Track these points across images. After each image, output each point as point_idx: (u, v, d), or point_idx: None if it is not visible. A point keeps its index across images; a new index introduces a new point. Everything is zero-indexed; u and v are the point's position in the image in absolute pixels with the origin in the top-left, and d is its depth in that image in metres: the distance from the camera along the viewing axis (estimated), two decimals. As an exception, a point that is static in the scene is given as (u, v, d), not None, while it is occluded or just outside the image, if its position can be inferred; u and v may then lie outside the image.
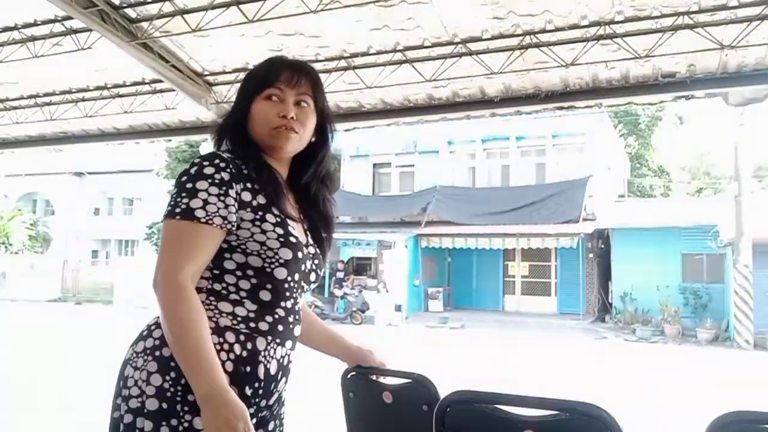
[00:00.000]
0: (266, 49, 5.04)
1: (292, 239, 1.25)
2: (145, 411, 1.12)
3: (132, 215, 34.77)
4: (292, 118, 1.28)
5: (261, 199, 1.23)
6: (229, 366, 1.14)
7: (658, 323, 13.92)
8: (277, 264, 1.22)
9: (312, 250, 1.34)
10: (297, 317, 1.30)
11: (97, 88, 6.19)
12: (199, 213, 1.14)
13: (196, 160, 1.21)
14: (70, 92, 6.36)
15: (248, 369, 1.17)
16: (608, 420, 1.04)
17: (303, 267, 1.28)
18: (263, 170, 1.27)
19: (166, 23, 4.73)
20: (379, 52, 4.95)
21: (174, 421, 1.10)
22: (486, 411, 1.14)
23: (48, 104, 6.61)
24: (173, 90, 5.66)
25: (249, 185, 1.22)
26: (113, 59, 5.46)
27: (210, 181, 1.17)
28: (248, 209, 1.21)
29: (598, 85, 5.02)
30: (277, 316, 1.23)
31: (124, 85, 6.09)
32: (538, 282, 18.39)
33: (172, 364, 1.12)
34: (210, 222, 1.15)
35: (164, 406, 1.11)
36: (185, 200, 1.15)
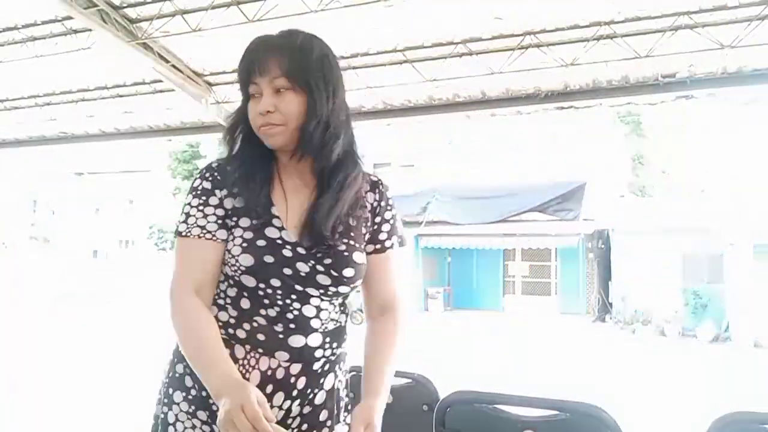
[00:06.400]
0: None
1: (261, 242, 1.13)
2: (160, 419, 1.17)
3: (132, 215, 34.82)
4: (269, 112, 1.15)
5: (239, 203, 1.17)
6: None
7: (659, 323, 13.94)
8: (240, 272, 1.14)
9: (311, 248, 1.16)
10: (294, 326, 1.15)
11: (97, 88, 6.19)
12: (182, 227, 1.15)
13: (195, 173, 1.22)
14: (70, 92, 6.36)
15: None
16: (608, 420, 1.04)
17: (290, 271, 1.14)
18: (238, 170, 1.18)
19: (166, 23, 4.73)
20: (379, 52, 4.95)
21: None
22: (486, 411, 1.14)
23: (48, 104, 6.62)
24: (173, 90, 5.66)
25: (235, 189, 1.17)
26: (113, 59, 5.46)
27: (194, 193, 1.19)
28: (233, 216, 1.17)
29: (598, 85, 5.02)
30: (255, 324, 1.14)
31: (124, 86, 6.09)
32: (538, 282, 18.40)
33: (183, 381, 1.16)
34: (188, 234, 1.15)
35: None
36: (179, 217, 1.17)
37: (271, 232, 1.15)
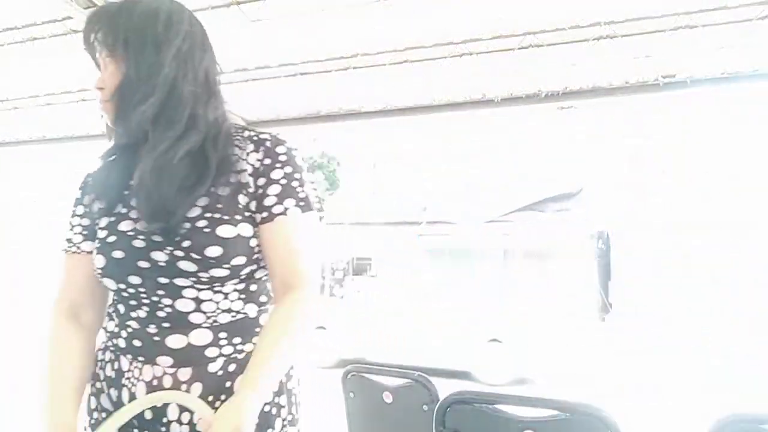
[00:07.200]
0: (266, 49, 5.05)
1: (111, 239, 1.04)
2: None
3: (132, 215, 34.73)
4: (99, 89, 1.07)
5: (101, 203, 1.09)
6: (104, 388, 1.07)
7: (659, 323, 13.94)
8: (99, 275, 1.06)
9: (170, 235, 1.00)
10: (169, 324, 1.01)
11: (98, 88, 6.19)
12: (61, 244, 1.14)
13: None
14: (70, 92, 6.35)
15: (116, 393, 1.04)
16: (608, 420, 1.04)
17: (147, 263, 1.01)
18: (103, 166, 1.11)
19: (166, 23, 4.73)
20: (379, 52, 4.95)
21: None
22: (486, 411, 1.14)
23: (48, 104, 6.61)
24: (173, 90, 5.66)
25: (98, 190, 1.10)
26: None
27: (72, 204, 1.15)
28: (97, 220, 1.10)
29: (598, 85, 5.03)
30: (130, 329, 1.04)
31: (124, 85, 6.10)
32: (538, 282, 18.39)
33: None
34: (63, 249, 1.14)
35: None
36: None
37: (124, 226, 1.04)
